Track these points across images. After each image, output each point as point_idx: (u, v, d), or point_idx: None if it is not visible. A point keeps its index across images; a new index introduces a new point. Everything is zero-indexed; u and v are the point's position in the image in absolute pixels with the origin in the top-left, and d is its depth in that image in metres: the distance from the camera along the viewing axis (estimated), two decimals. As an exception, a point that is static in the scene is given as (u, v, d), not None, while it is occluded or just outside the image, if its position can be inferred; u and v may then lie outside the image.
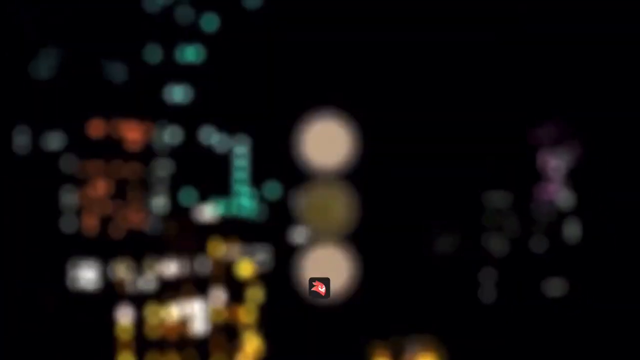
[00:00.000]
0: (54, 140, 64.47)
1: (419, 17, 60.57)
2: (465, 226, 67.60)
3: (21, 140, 63.48)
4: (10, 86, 66.62)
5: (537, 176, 71.85)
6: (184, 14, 50.48)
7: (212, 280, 40.68)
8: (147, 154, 66.80)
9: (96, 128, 65.78)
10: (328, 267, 46.77)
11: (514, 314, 64.73)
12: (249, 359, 40.02)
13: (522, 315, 64.66)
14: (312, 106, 44.36)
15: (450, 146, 67.68)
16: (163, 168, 64.90)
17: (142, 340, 41.33)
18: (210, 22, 50.55)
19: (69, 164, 64.85)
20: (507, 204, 67.12)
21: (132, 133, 67.18)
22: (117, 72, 64.19)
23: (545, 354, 61.47)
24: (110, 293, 57.84)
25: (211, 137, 52.32)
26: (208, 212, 49.93)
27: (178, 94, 52.23)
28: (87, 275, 60.54)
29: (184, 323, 41.03)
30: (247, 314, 40.26)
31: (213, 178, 51.65)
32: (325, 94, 47.59)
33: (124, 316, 41.90)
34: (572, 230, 67.09)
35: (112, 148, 66.56)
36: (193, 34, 49.98)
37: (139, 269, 45.59)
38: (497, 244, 66.73)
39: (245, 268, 40.81)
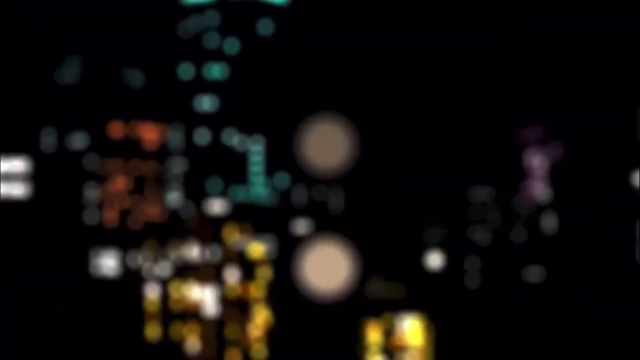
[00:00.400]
0: (78, 141, 70.09)
1: (409, 23, 66.62)
2: (453, 219, 73.03)
3: (48, 140, 69.00)
4: (37, 91, 72.48)
5: (518, 173, 77.55)
6: (210, 39, 58.41)
7: (227, 261, 46.64)
8: (163, 153, 72.78)
9: (116, 129, 71.48)
10: (328, 263, 52.99)
11: (497, 298, 69.87)
12: (259, 329, 45.95)
13: (504, 299, 69.85)
14: (316, 113, 51.35)
15: (440, 147, 73.58)
16: (177, 166, 71.05)
17: (166, 313, 47.29)
18: (232, 46, 58.29)
19: (91, 162, 70.50)
20: (490, 199, 72.53)
21: (149, 134, 72.96)
22: (136, 78, 70.39)
23: (524, 334, 66.77)
24: (130, 279, 63.46)
25: (232, 137, 59.66)
26: (218, 205, 56.02)
27: (206, 103, 59.52)
28: (107, 263, 66.16)
29: (201, 299, 46.93)
30: (257, 290, 46.17)
31: (234, 170, 59.09)
32: (327, 104, 54.86)
33: (151, 292, 47.76)
34: (549, 223, 72.56)
35: (130, 148, 72.21)
36: (218, 55, 57.81)
37: (163, 253, 51.44)
38: (481, 235, 72.18)
39: (256, 250, 46.82)
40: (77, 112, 70.97)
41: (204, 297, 48.95)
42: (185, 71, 56.11)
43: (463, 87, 75.27)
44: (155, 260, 54.70)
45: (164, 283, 47.45)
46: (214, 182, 58.26)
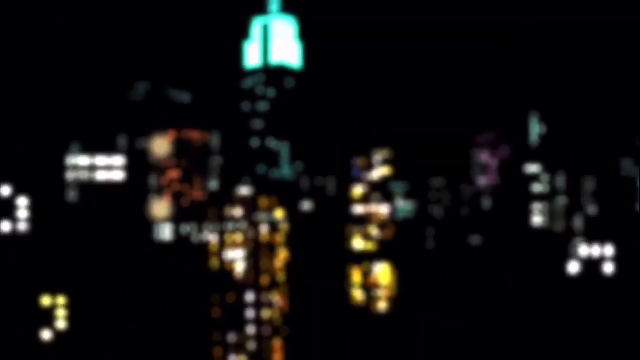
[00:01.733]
0: (144, 143, 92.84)
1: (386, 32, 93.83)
2: (418, 199, 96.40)
3: (122, 142, 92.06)
4: (114, 106, 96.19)
5: (464, 168, 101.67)
6: (259, 88, 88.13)
7: (261, 220, 72.16)
8: (205, 152, 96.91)
9: (171, 135, 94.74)
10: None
11: (448, 257, 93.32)
12: (281, 262, 71.63)
13: (453, 257, 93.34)
14: (319, 130, 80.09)
15: (408, 149, 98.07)
16: (216, 162, 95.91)
17: (221, 253, 72.50)
18: (271, 92, 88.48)
19: (153, 159, 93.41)
20: (443, 185, 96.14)
21: (196, 139, 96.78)
22: (185, 98, 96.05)
23: (465, 280, 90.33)
24: (180, 242, 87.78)
25: (272, 142, 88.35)
26: (246, 189, 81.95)
27: (258, 124, 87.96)
28: (165, 231, 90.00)
29: (234, 259, 72.22)
30: (280, 238, 71.80)
31: (272, 160, 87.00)
32: (326, 124, 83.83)
33: (213, 239, 73.33)
34: (486, 203, 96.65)
35: (182, 148, 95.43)
36: (264, 98, 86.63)
37: (220, 217, 76.63)
38: (437, 211, 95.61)
39: (280, 212, 72.39)
40: (143, 122, 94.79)
41: (235, 257, 74.15)
42: (246, 106, 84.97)
43: (429, 102, 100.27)
44: (215, 221, 79.89)
45: (221, 234, 73.00)
46: (261, 167, 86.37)
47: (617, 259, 60.72)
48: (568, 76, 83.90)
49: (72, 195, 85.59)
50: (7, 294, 60.95)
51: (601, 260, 61.37)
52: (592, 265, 63.01)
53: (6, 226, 62.69)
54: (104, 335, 66.34)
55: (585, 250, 62.46)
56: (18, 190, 63.60)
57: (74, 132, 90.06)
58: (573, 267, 64.09)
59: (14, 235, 62.91)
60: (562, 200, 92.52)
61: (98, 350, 64.82)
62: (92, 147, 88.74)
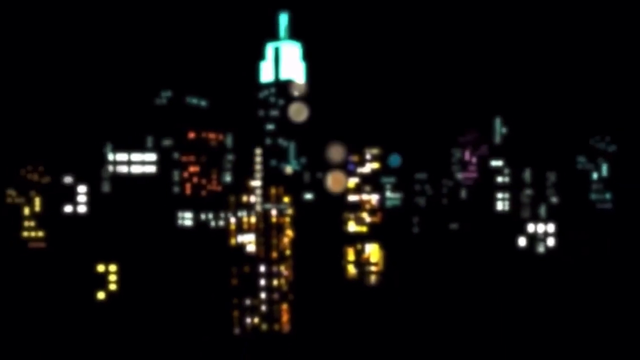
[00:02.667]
0: (168, 142, 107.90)
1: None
2: (404, 190, 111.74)
3: (148, 142, 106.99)
4: (142, 111, 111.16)
5: (444, 164, 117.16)
6: (271, 98, 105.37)
7: (271, 205, 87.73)
8: (221, 150, 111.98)
9: (191, 135, 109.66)
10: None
11: (431, 240, 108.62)
12: (289, 237, 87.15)
13: (435, 240, 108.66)
14: (320, 132, 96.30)
15: (395, 149, 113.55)
16: (230, 158, 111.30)
17: (239, 230, 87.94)
18: (280, 101, 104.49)
19: (176, 156, 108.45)
20: (426, 179, 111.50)
21: (212, 139, 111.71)
22: (202, 103, 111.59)
23: (444, 258, 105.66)
24: (200, 227, 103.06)
25: (281, 141, 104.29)
26: (256, 181, 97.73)
27: (270, 126, 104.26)
28: (186, 218, 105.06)
29: (244, 241, 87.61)
30: (286, 219, 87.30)
31: (282, 156, 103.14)
32: (325, 126, 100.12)
33: (232, 221, 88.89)
34: (463, 193, 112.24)
35: (200, 147, 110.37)
36: (275, 106, 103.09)
37: (238, 203, 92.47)
38: (420, 201, 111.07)
39: (286, 199, 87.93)
40: (168, 124, 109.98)
41: (246, 240, 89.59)
42: (260, 112, 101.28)
43: (413, 109, 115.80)
44: (233, 206, 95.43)
45: (239, 218, 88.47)
46: (273, 161, 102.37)
47: (558, 235, 75.90)
48: (528, 83, 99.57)
49: (115, 185, 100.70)
50: (71, 263, 76.52)
51: (545, 235, 76.79)
52: (537, 240, 78.37)
53: (69, 208, 78.21)
54: (145, 297, 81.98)
55: (532, 227, 77.96)
56: (77, 180, 78.93)
57: (113, 133, 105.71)
58: (522, 241, 79.67)
59: (75, 216, 78.39)
60: (528, 191, 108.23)
61: (142, 308, 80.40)
62: (126, 146, 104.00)
